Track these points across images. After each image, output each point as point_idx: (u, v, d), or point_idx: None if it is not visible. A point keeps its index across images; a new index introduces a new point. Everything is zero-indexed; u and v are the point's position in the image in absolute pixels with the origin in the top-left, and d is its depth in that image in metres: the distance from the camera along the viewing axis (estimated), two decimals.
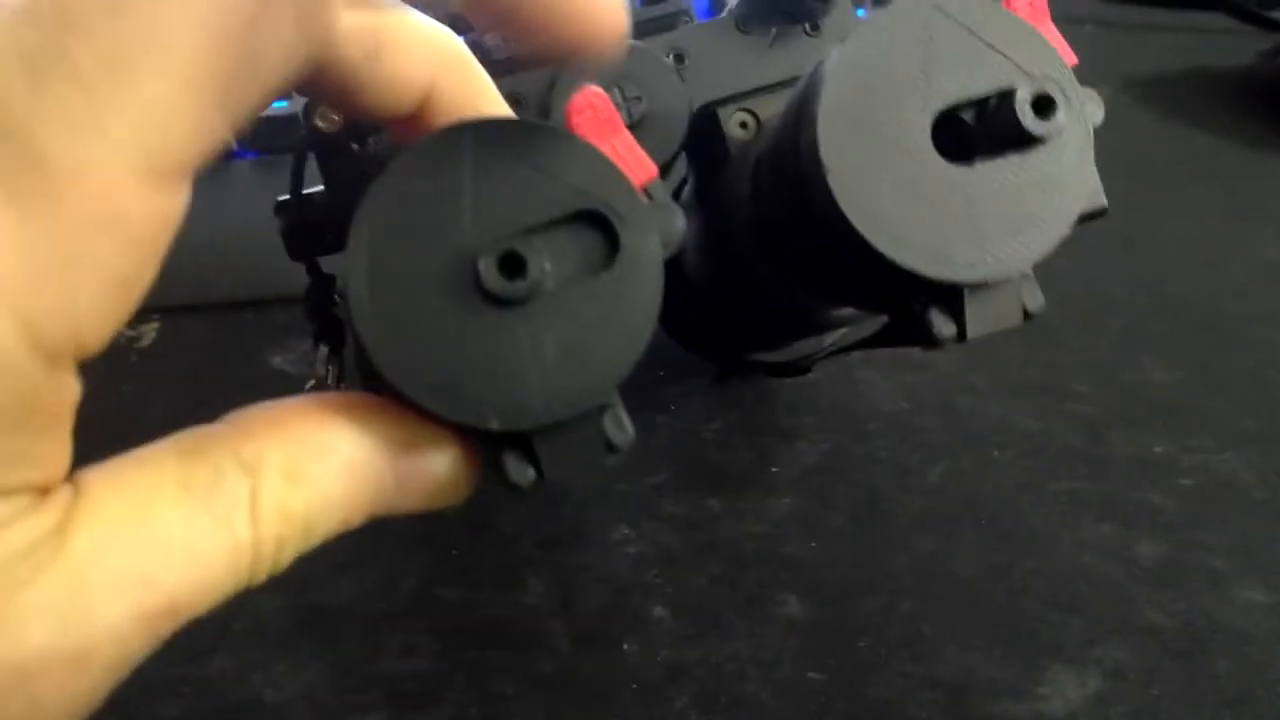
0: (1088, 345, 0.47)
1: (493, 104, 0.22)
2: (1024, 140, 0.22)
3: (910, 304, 0.23)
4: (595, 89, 0.21)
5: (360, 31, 0.19)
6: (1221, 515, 0.39)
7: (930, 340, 0.23)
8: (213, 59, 0.15)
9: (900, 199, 0.22)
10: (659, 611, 0.36)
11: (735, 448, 0.42)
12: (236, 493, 0.17)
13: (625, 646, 0.35)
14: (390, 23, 0.20)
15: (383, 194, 0.19)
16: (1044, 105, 0.22)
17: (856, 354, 0.46)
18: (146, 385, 0.44)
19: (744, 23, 0.32)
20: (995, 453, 0.42)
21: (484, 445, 0.20)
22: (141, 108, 0.15)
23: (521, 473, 0.20)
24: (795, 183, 0.24)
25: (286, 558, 0.18)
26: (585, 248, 0.20)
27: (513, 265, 0.19)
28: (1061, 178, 0.22)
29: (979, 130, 0.23)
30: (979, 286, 0.22)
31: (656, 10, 0.32)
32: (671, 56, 0.32)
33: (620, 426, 0.21)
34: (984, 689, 0.34)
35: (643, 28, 0.32)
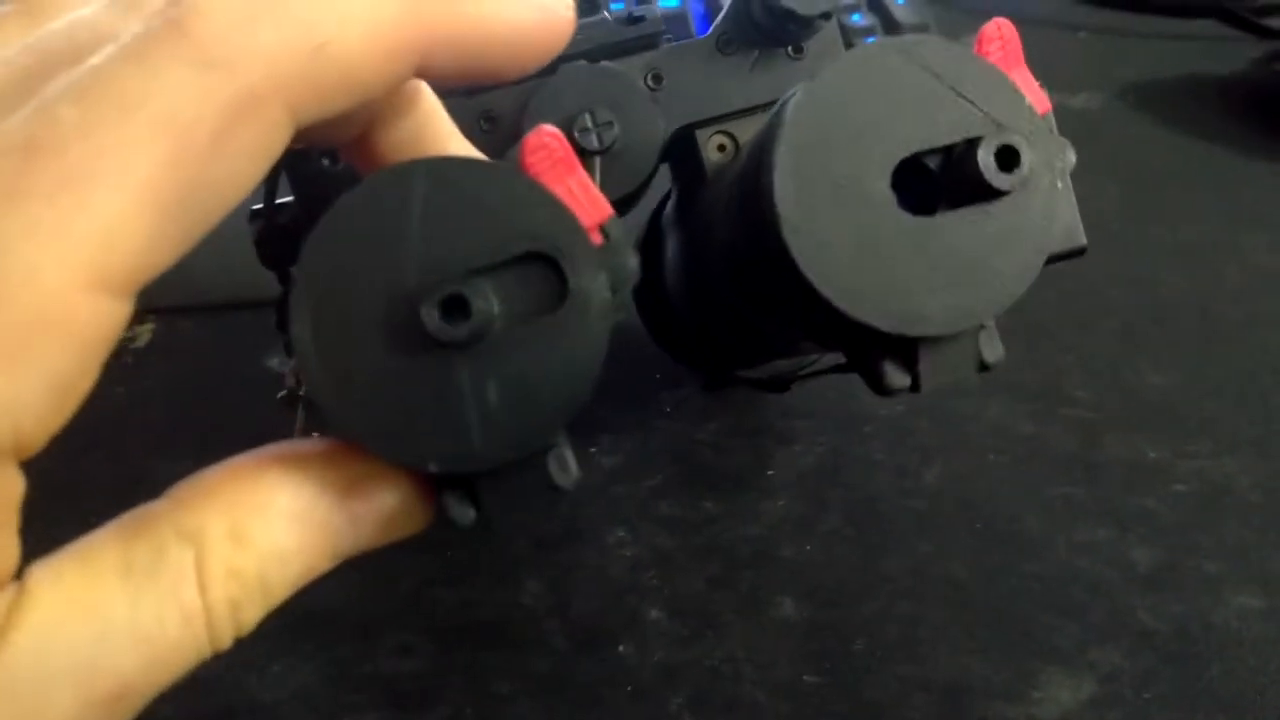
0: (1084, 350, 0.47)
1: (444, 132, 0.23)
2: (987, 192, 0.21)
3: (864, 353, 0.23)
4: (550, 128, 0.21)
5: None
6: (1217, 520, 0.40)
7: (884, 390, 0.23)
8: (169, 181, 0.16)
9: (856, 249, 0.21)
10: (655, 613, 0.36)
11: (731, 450, 0.42)
12: (181, 564, 0.18)
13: (621, 648, 0.35)
14: None
15: (328, 233, 0.19)
16: (1008, 157, 0.21)
17: None
18: (142, 387, 0.44)
19: (725, 44, 0.32)
20: (991, 456, 0.42)
21: (426, 482, 0.20)
22: (95, 221, 0.16)
23: (462, 513, 0.20)
24: (755, 222, 0.23)
25: (249, 618, 0.19)
26: (534, 290, 0.20)
27: (455, 308, 0.19)
28: (1025, 230, 0.21)
29: (943, 179, 0.22)
30: (935, 339, 0.22)
31: (635, 30, 0.32)
32: (650, 77, 0.31)
33: (564, 467, 0.20)
34: (979, 692, 0.34)
35: (621, 48, 0.31)
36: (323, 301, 0.19)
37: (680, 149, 0.32)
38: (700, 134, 0.32)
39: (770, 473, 0.41)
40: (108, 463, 0.39)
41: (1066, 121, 0.68)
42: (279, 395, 0.20)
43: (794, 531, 0.39)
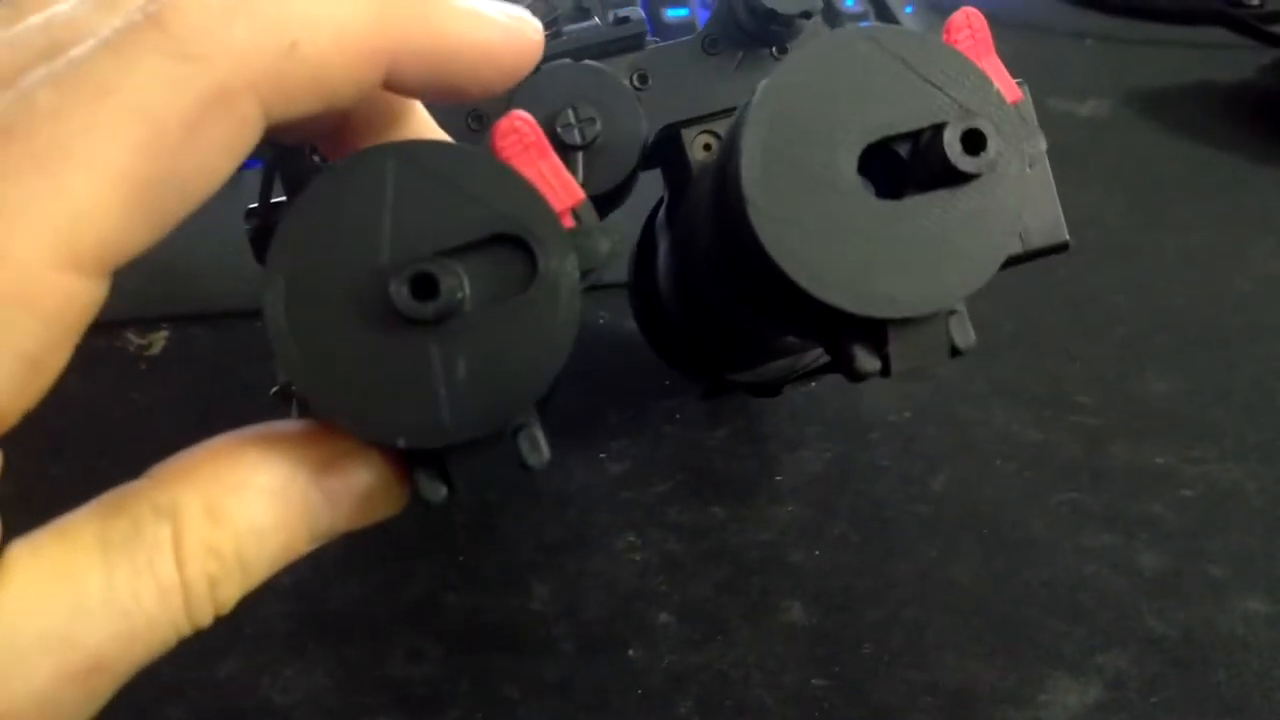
0: (1090, 356, 0.47)
1: (418, 121, 0.23)
2: (954, 176, 0.21)
3: (835, 337, 0.23)
4: (522, 113, 0.21)
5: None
6: (1222, 525, 0.40)
7: (855, 375, 0.23)
8: (140, 167, 0.17)
9: (824, 233, 0.21)
10: (664, 618, 0.37)
11: (739, 456, 0.43)
12: (157, 539, 0.18)
13: (630, 652, 0.36)
14: None
15: (301, 214, 0.20)
16: (974, 141, 0.21)
17: None
18: (156, 393, 0.44)
19: (710, 45, 0.32)
20: (998, 462, 0.42)
21: (402, 462, 0.21)
22: (64, 200, 0.16)
23: (434, 490, 0.21)
24: (727, 208, 0.23)
25: (227, 596, 0.19)
26: (504, 271, 0.20)
27: (424, 286, 0.19)
28: (993, 214, 0.22)
29: (911, 165, 0.22)
30: (904, 322, 0.22)
31: (621, 31, 0.32)
32: (635, 77, 0.32)
33: (535, 447, 0.21)
34: (985, 696, 0.34)
35: (607, 48, 0.32)
36: (296, 281, 0.19)
37: (667, 150, 0.32)
38: (686, 133, 0.32)
39: (778, 479, 0.42)
40: (121, 469, 0.39)
41: (1073, 129, 0.68)
42: (272, 391, 0.21)
43: (802, 537, 0.39)
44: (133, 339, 0.47)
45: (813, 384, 0.45)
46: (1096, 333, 0.49)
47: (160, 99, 0.17)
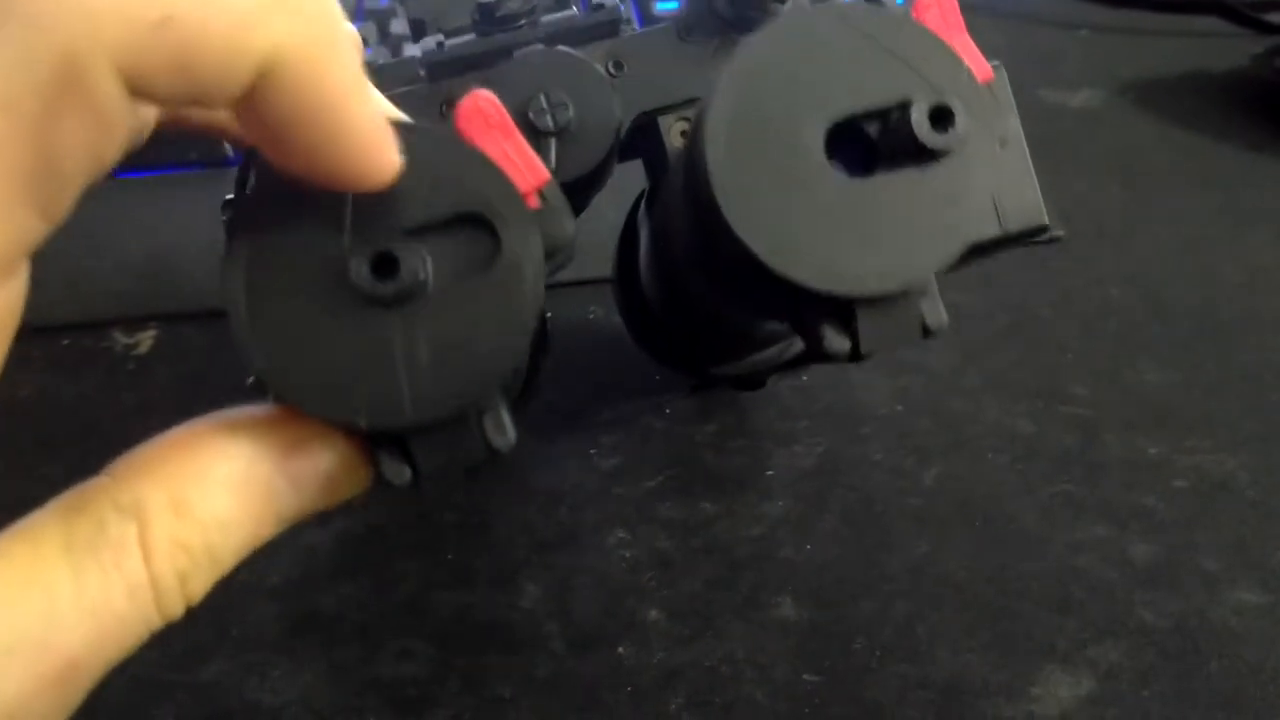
0: (1083, 347, 0.47)
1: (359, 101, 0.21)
2: (922, 153, 0.21)
3: (805, 318, 0.23)
4: (485, 93, 0.21)
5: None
6: (1215, 516, 0.40)
7: (824, 355, 0.23)
8: (11, 161, 0.16)
9: (790, 211, 0.21)
10: (654, 614, 0.37)
11: (730, 451, 0.42)
12: (123, 538, 0.18)
13: (621, 649, 0.36)
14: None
15: (263, 195, 0.19)
16: (942, 117, 0.21)
17: None
18: (144, 392, 0.44)
19: (686, 32, 0.32)
20: (990, 455, 0.42)
21: (365, 443, 0.20)
22: None
23: (397, 472, 0.20)
24: (695, 188, 0.23)
25: (197, 587, 0.19)
26: (468, 251, 0.20)
27: (385, 266, 0.19)
28: (961, 192, 0.22)
29: (881, 144, 0.22)
30: (872, 301, 0.22)
31: (596, 18, 0.32)
32: (611, 64, 0.31)
33: (500, 429, 0.21)
34: (977, 690, 0.34)
35: (581, 35, 0.32)
36: (256, 261, 0.19)
37: (646, 138, 0.32)
38: (663, 121, 0.32)
39: (769, 473, 0.41)
40: None
41: (1067, 120, 0.68)
42: (248, 383, 0.21)
43: (793, 532, 0.39)
44: (120, 338, 0.47)
45: (803, 378, 0.45)
46: (1089, 324, 0.49)
47: (11, 79, 0.15)
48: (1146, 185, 0.58)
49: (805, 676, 0.35)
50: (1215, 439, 0.43)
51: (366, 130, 0.18)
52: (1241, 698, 0.34)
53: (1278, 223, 0.55)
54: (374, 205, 0.19)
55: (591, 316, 0.48)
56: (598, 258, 0.40)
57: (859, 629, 0.36)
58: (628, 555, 0.38)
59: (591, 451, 0.42)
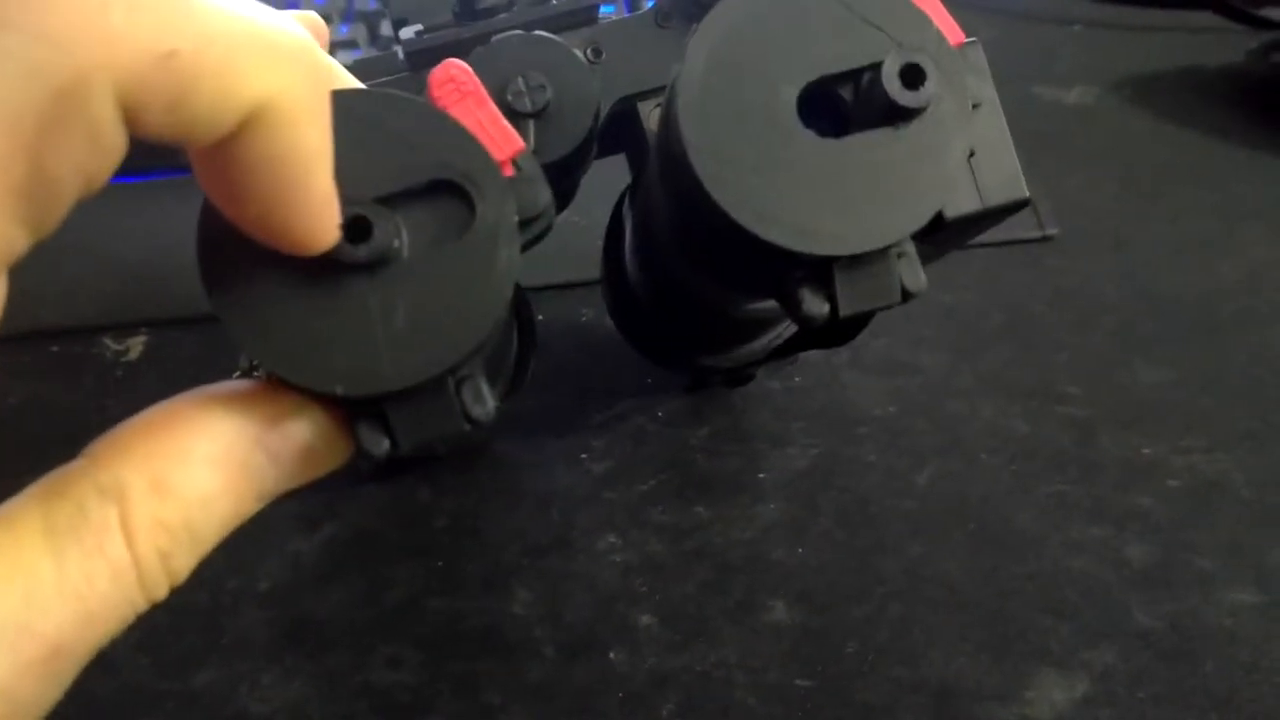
0: (1078, 346, 0.47)
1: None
2: (895, 113, 0.21)
3: (783, 282, 0.23)
4: (458, 62, 0.21)
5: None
6: (1211, 516, 0.39)
7: (804, 318, 0.23)
8: (3, 173, 0.15)
9: (764, 171, 0.22)
10: (646, 619, 0.36)
11: (723, 454, 0.42)
12: (104, 520, 0.18)
13: (612, 655, 0.35)
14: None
15: None
16: (913, 75, 0.21)
17: (843, 356, 0.46)
18: (133, 398, 0.44)
19: (664, 18, 0.32)
20: (984, 456, 0.42)
21: (345, 414, 0.21)
22: None
23: (375, 442, 0.20)
24: (670, 156, 0.23)
25: (181, 566, 0.19)
26: (443, 218, 0.20)
27: (359, 230, 0.19)
28: (935, 151, 0.22)
29: (855, 106, 0.22)
30: (850, 262, 0.22)
31: (574, 4, 0.32)
32: (589, 51, 0.32)
33: (479, 398, 0.21)
34: (971, 693, 0.34)
35: (559, 22, 0.32)
36: (229, 232, 0.19)
37: (626, 126, 0.33)
38: (642, 106, 0.32)
39: (762, 476, 0.41)
40: None
41: (1062, 116, 0.68)
42: (234, 375, 0.21)
43: (786, 535, 0.39)
44: (110, 344, 0.46)
45: (796, 379, 0.45)
46: (1084, 322, 0.48)
47: (15, 93, 0.15)
48: (1141, 181, 0.58)
49: (798, 681, 0.34)
50: (1211, 438, 0.42)
51: (323, 193, 0.19)
52: (1237, 698, 0.33)
53: (1274, 219, 0.55)
54: (347, 173, 0.19)
55: (583, 319, 0.47)
56: (588, 261, 0.40)
57: (852, 632, 0.36)
58: (619, 560, 0.38)
59: (583, 455, 0.42)
